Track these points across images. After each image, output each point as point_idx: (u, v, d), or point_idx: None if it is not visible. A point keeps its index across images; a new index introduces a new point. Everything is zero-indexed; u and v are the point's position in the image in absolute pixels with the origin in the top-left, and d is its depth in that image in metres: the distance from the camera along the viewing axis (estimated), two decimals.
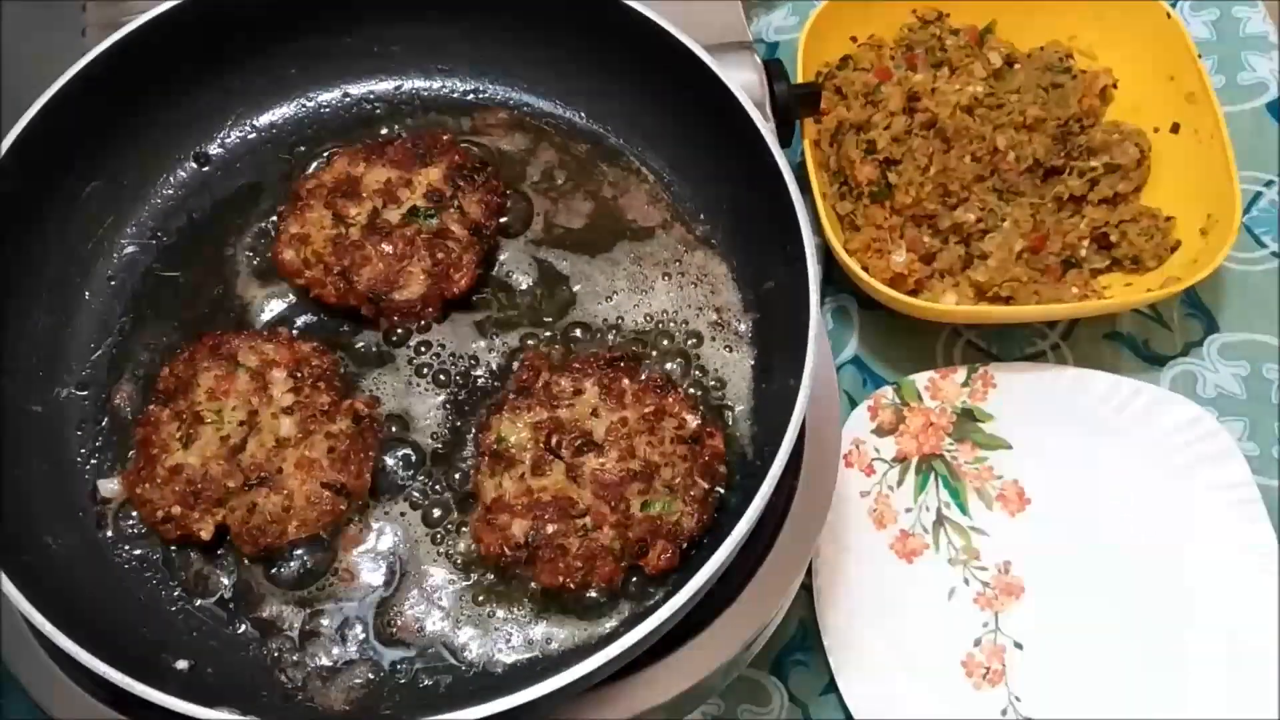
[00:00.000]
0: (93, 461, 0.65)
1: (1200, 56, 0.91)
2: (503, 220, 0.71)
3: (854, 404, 0.88)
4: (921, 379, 0.88)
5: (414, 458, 0.65)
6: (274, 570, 0.62)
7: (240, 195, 0.72)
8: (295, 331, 0.67)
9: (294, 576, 0.61)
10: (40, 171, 0.65)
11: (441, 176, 0.68)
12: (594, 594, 0.60)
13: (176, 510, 0.60)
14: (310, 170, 0.71)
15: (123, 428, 0.65)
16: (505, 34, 0.74)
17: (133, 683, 0.53)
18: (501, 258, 0.71)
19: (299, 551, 0.62)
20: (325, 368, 0.64)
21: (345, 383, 0.66)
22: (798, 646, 0.82)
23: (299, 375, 0.63)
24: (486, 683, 0.59)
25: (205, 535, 0.60)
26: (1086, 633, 0.80)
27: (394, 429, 0.65)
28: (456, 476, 0.64)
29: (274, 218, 0.70)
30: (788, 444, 0.57)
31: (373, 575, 0.61)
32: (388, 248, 0.65)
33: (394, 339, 0.68)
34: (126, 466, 0.63)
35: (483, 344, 0.68)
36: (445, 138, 0.70)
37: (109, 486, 0.63)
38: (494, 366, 0.67)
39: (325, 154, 0.72)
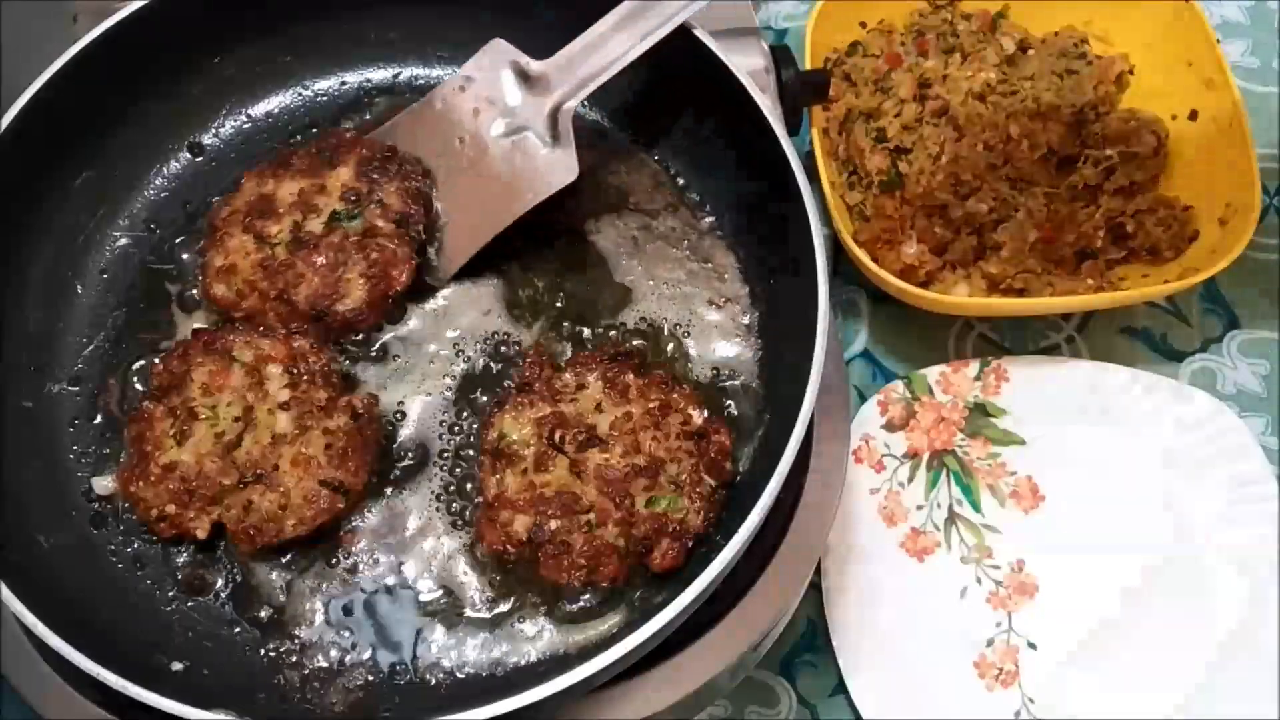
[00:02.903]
0: (85, 459, 0.64)
1: (1221, 42, 0.89)
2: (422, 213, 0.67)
3: (863, 399, 0.87)
4: (933, 373, 0.87)
5: (415, 455, 0.64)
6: (271, 569, 0.61)
7: (235, 186, 0.71)
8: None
9: (291, 576, 0.61)
10: (30, 162, 0.64)
11: (353, 174, 0.66)
12: (599, 592, 0.60)
13: (171, 509, 0.59)
14: (220, 199, 0.68)
15: (115, 424, 0.64)
16: (506, 21, 0.72)
17: (127, 684, 0.52)
18: (501, 251, 0.69)
19: (297, 550, 0.61)
20: (322, 364, 0.63)
21: (343, 379, 0.64)
22: (806, 647, 0.81)
23: (295, 371, 0.62)
24: (489, 684, 0.58)
25: (201, 534, 0.59)
26: (1102, 633, 0.79)
27: (394, 426, 0.64)
28: (458, 474, 0.63)
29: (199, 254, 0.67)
30: (795, 440, 0.56)
31: (372, 575, 0.61)
32: (319, 259, 0.63)
33: (391, 334, 0.67)
34: (119, 464, 0.62)
35: (485, 340, 0.67)
36: (348, 134, 0.68)
37: (103, 484, 0.62)
38: (496, 362, 0.66)
39: (232, 180, 0.69)
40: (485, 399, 0.65)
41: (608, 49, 0.63)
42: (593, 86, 0.64)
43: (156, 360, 0.63)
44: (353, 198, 0.64)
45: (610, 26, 0.63)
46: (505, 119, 0.66)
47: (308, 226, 0.64)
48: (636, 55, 0.63)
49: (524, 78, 0.65)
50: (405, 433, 0.64)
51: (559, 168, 0.64)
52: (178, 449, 0.59)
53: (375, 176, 0.66)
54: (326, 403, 0.61)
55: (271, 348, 0.62)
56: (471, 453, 0.63)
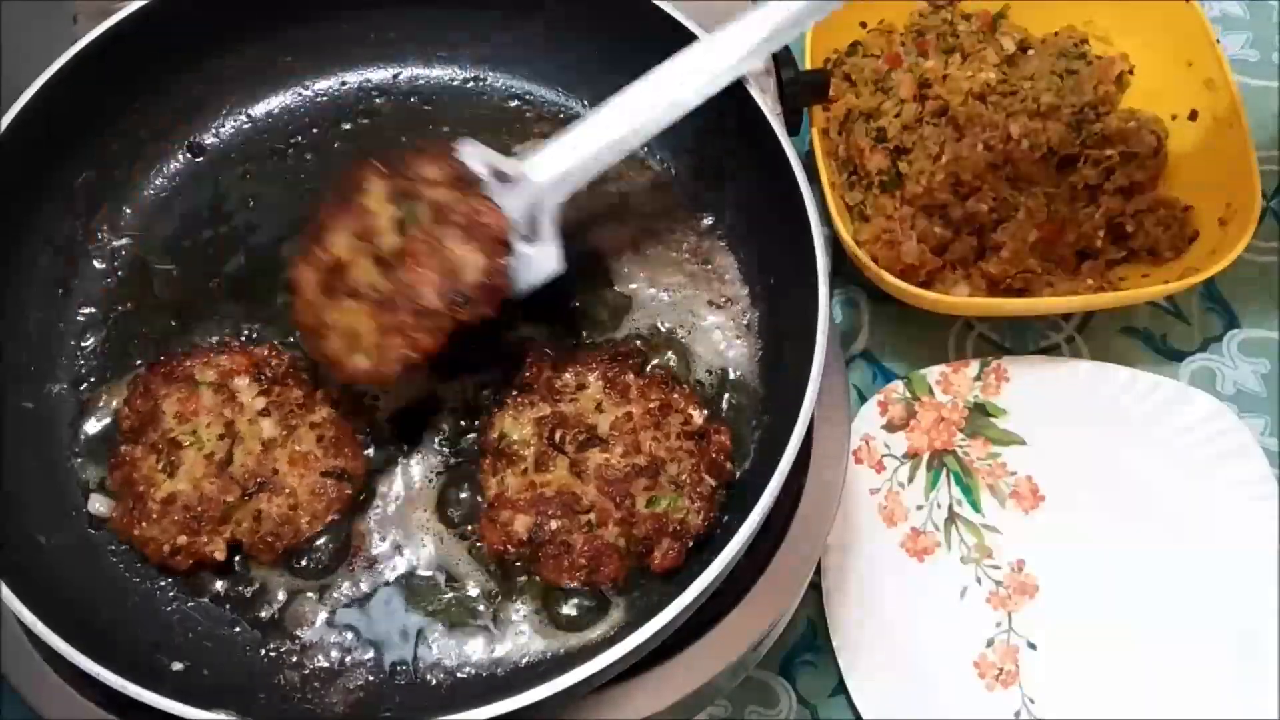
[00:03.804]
0: (85, 460, 0.63)
1: (1220, 43, 0.89)
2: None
3: (863, 399, 0.87)
4: (933, 373, 0.87)
5: (412, 457, 0.63)
6: (272, 570, 0.61)
7: (234, 187, 0.71)
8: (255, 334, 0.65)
9: (292, 576, 0.61)
10: (30, 162, 0.64)
11: (386, 194, 0.60)
12: (599, 592, 0.59)
13: (182, 540, 0.58)
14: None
15: (116, 426, 0.63)
16: (506, 22, 0.73)
17: (127, 684, 0.52)
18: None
19: (297, 551, 0.61)
20: (286, 364, 0.63)
21: (314, 374, 0.64)
22: (806, 647, 0.81)
23: (263, 378, 0.62)
24: (490, 684, 0.58)
25: (219, 555, 0.59)
26: (1102, 633, 0.79)
27: (394, 427, 0.64)
28: (459, 475, 0.63)
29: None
30: (795, 440, 0.56)
31: (372, 576, 0.61)
32: (423, 258, 0.58)
33: None
34: (114, 509, 0.61)
35: (485, 339, 0.67)
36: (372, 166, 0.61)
37: (97, 505, 0.61)
38: (497, 362, 0.66)
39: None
40: (486, 400, 0.65)
41: (589, 149, 0.61)
42: (573, 187, 0.62)
43: (121, 404, 0.62)
44: (400, 197, 0.59)
45: (593, 128, 0.61)
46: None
47: (386, 244, 0.59)
48: (619, 158, 0.61)
49: (499, 176, 0.61)
50: (404, 434, 0.64)
51: (539, 263, 0.62)
52: (171, 481, 0.59)
53: (410, 183, 0.59)
54: (304, 399, 0.61)
55: (231, 361, 0.62)
56: (474, 454, 0.63)
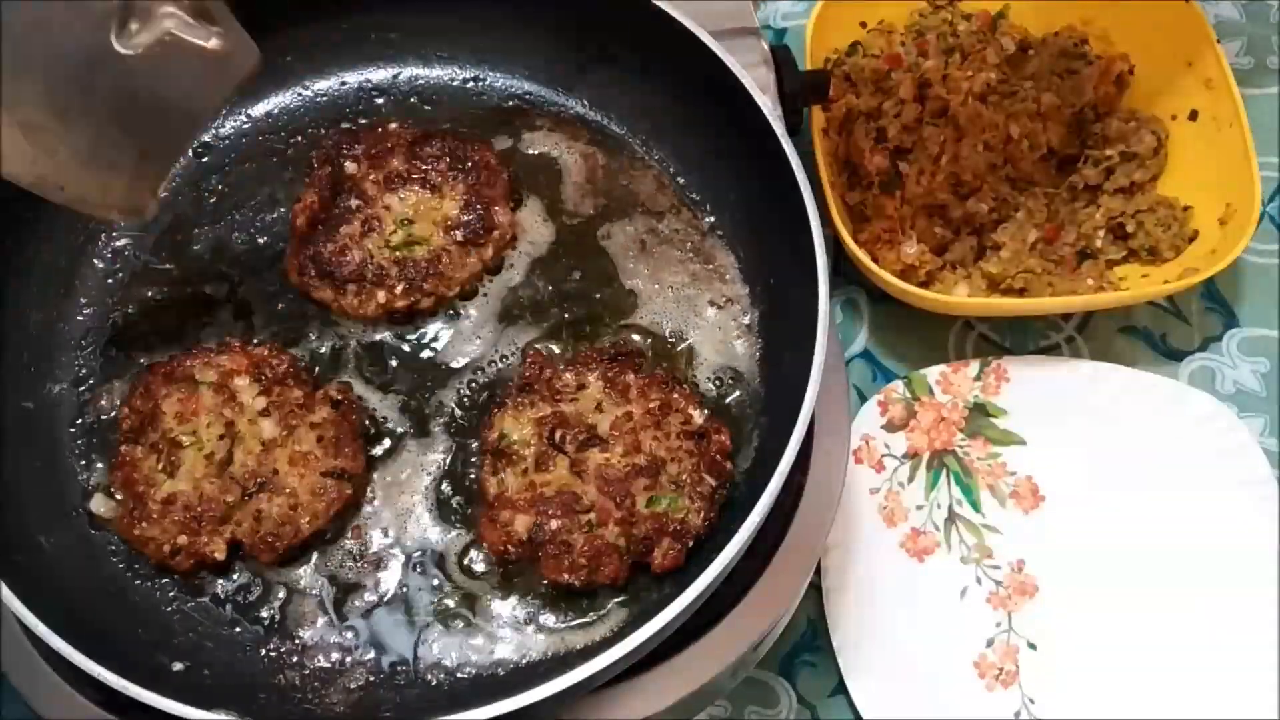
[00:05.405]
0: (85, 460, 0.63)
1: (1220, 42, 0.89)
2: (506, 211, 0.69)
3: (863, 399, 0.87)
4: (933, 373, 0.87)
5: (412, 457, 0.63)
6: (272, 570, 0.61)
7: (235, 187, 0.71)
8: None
9: (293, 576, 0.61)
10: None
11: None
12: (599, 592, 0.60)
13: (183, 539, 0.59)
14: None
15: (116, 426, 0.63)
16: (505, 21, 0.73)
17: (127, 684, 0.52)
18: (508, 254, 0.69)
19: (299, 551, 0.61)
20: (286, 365, 0.63)
21: (312, 376, 0.64)
22: (806, 647, 0.80)
23: (264, 378, 0.62)
24: (490, 684, 0.58)
25: (219, 555, 0.59)
26: (1102, 633, 0.79)
27: (392, 427, 0.64)
28: (460, 474, 0.63)
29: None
30: (796, 440, 0.56)
31: (374, 576, 0.61)
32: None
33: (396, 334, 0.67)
34: (116, 512, 0.61)
35: (485, 339, 0.66)
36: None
37: (97, 505, 0.61)
38: (496, 363, 0.66)
39: None
40: (487, 400, 0.65)
41: None
42: None
43: (121, 404, 0.63)
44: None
45: None
46: (137, 20, 0.49)
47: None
48: None
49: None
50: (405, 434, 0.64)
51: (238, 56, 0.50)
52: (171, 481, 0.59)
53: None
54: (304, 399, 0.62)
55: (232, 361, 0.62)
56: (474, 454, 0.63)
